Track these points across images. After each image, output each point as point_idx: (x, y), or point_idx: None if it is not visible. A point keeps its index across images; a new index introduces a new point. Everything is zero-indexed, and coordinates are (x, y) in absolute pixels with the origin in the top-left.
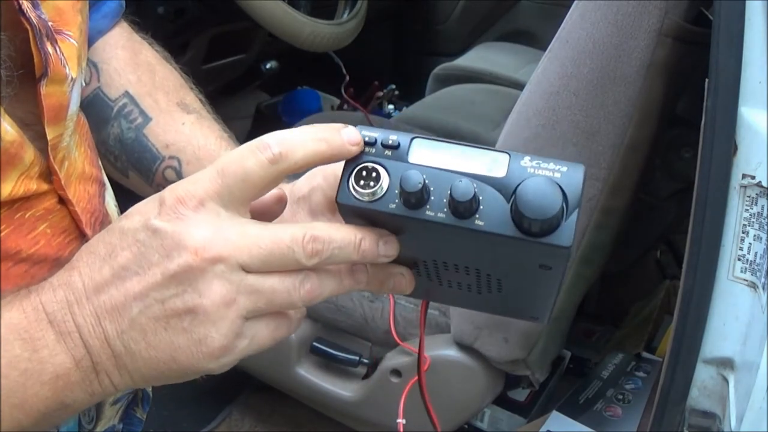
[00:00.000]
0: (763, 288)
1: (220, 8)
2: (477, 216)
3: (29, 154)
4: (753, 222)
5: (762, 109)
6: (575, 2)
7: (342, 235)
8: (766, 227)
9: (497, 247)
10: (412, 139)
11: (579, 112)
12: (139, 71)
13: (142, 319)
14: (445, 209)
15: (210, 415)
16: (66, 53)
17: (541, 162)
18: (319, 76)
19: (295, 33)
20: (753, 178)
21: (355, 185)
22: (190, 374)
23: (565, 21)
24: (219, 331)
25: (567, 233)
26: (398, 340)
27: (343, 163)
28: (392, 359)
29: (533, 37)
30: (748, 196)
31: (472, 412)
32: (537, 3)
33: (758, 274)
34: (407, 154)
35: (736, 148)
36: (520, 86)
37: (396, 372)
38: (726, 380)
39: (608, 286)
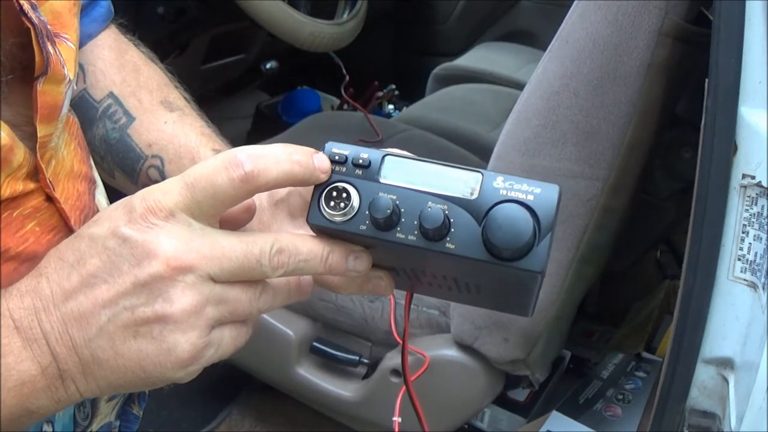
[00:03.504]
0: (763, 288)
1: (220, 8)
2: (448, 239)
3: (18, 156)
4: (753, 222)
5: (762, 109)
6: (575, 2)
7: (309, 248)
8: (766, 227)
9: (470, 266)
10: (383, 157)
11: (579, 112)
12: (123, 72)
13: (110, 327)
14: (416, 231)
15: (210, 415)
16: (64, 55)
17: (514, 183)
18: (319, 76)
19: (295, 33)
20: (753, 178)
21: (325, 205)
22: (157, 383)
23: (565, 21)
24: (188, 340)
25: (538, 258)
26: (399, 340)
27: None
28: (392, 359)
29: (533, 37)
30: (748, 196)
31: (472, 412)
32: (537, 3)
33: (758, 274)
34: (378, 173)
35: (736, 148)
36: (520, 86)
37: (396, 372)
38: (726, 380)
39: (608, 286)
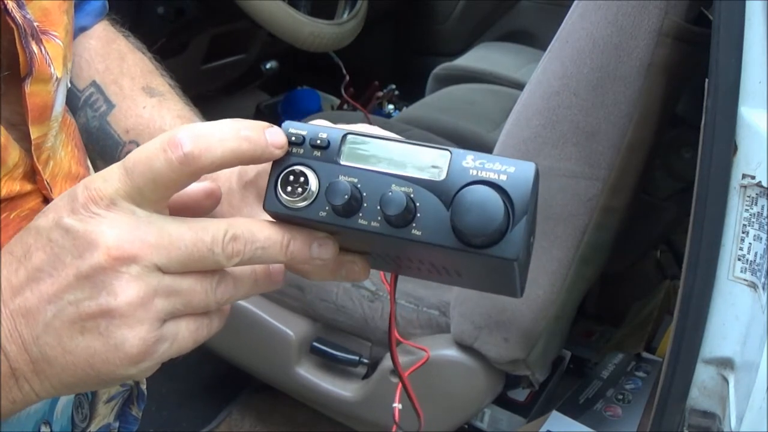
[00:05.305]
0: (763, 288)
1: (220, 8)
2: (414, 225)
3: (13, 156)
4: (753, 222)
5: (762, 109)
6: (575, 2)
7: (266, 235)
8: (766, 227)
9: (442, 253)
10: (344, 136)
11: (579, 112)
12: (108, 60)
13: (56, 323)
14: (379, 217)
15: (210, 415)
16: (51, 53)
17: (485, 162)
18: (319, 76)
19: (295, 33)
20: (753, 178)
21: (282, 191)
22: (110, 381)
23: (565, 21)
24: (137, 335)
25: (512, 245)
26: (399, 338)
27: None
28: None
29: (533, 37)
30: (748, 196)
31: (472, 412)
32: (537, 3)
33: (758, 274)
34: (338, 154)
35: (736, 148)
36: (520, 86)
37: (396, 372)
38: (726, 380)
39: (608, 286)
